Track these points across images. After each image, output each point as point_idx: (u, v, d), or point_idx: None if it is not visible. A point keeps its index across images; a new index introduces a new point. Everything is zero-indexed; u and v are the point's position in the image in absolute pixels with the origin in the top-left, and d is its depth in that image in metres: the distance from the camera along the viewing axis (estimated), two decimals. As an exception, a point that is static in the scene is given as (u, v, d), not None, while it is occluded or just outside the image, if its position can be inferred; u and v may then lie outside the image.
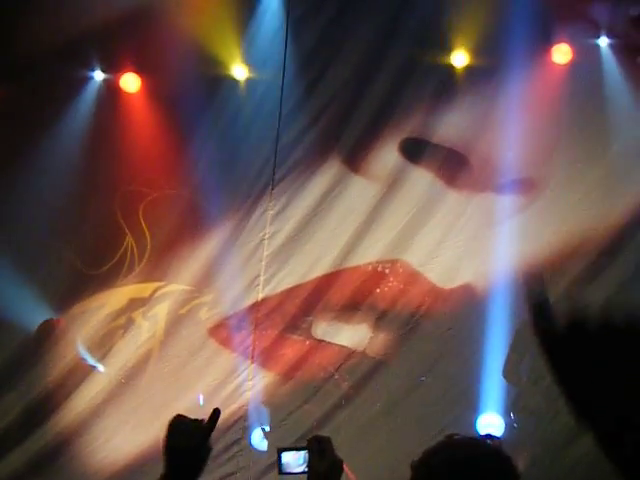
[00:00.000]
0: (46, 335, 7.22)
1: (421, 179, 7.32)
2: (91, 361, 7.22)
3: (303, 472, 2.82)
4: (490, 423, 6.91)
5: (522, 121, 7.00)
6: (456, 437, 2.31)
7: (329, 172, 7.45)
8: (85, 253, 7.43)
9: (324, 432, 6.89)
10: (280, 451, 2.89)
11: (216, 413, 2.56)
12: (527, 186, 7.20)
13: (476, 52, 7.32)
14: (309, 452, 2.75)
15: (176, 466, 2.48)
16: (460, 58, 7.38)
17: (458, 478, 2.16)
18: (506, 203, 7.14)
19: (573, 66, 7.28)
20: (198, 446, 2.48)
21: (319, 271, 7.32)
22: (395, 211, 7.34)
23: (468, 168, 7.24)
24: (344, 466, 2.76)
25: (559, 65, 7.32)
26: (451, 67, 7.40)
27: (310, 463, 2.74)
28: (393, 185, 7.35)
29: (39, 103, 7.34)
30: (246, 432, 7.14)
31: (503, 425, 6.97)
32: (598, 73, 7.20)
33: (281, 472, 2.88)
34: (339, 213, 7.39)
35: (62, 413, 7.08)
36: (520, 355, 6.97)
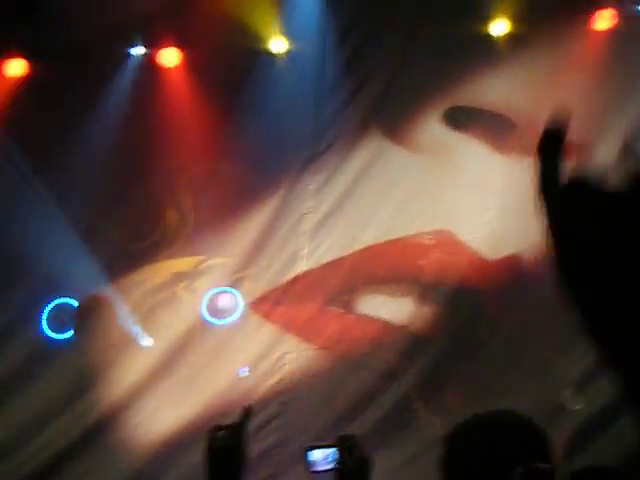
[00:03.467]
0: (91, 308, 7.27)
1: (467, 147, 7.18)
2: (137, 335, 7.24)
3: (331, 469, 2.82)
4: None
5: (566, 86, 6.82)
6: (491, 411, 2.28)
7: (371, 145, 7.36)
8: (128, 229, 7.45)
9: (364, 407, 6.86)
10: (307, 449, 2.89)
11: (248, 411, 2.56)
12: (575, 150, 6.99)
13: (517, 20, 7.15)
14: (338, 449, 2.75)
15: (217, 470, 2.47)
16: (501, 26, 7.23)
17: (488, 451, 2.12)
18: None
19: (617, 32, 7.08)
20: (236, 447, 2.48)
21: (361, 244, 7.22)
22: (439, 181, 7.23)
23: (514, 132, 7.07)
24: None
25: (603, 31, 7.13)
26: (492, 36, 7.25)
27: (339, 461, 2.74)
28: (437, 155, 7.24)
29: (82, 82, 7.35)
30: (286, 406, 7.08)
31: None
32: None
33: (311, 471, 2.87)
34: (381, 185, 7.28)
35: (106, 387, 7.12)
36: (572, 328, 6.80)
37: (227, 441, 2.48)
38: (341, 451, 2.74)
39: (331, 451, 2.79)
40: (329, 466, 2.81)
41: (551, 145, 1.07)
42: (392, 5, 7.26)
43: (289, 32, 7.44)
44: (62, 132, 7.31)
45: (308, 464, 2.86)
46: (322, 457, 2.83)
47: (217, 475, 2.47)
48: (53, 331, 7.29)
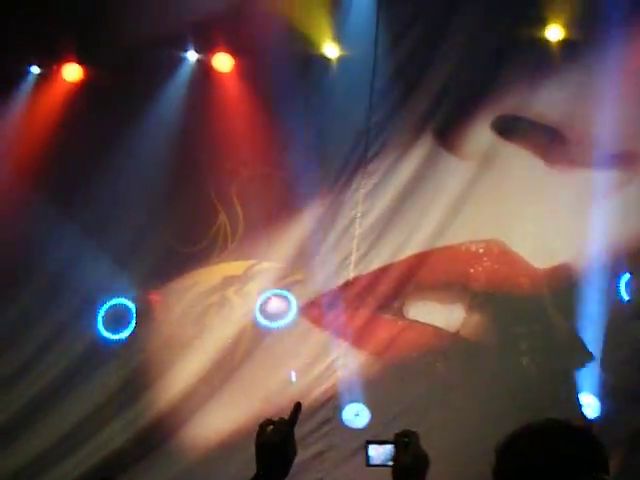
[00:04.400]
0: (145, 309, 7.38)
1: (516, 156, 7.16)
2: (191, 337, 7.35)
3: (389, 465, 2.83)
4: (586, 404, 6.73)
5: (620, 94, 6.75)
6: (546, 420, 2.21)
7: (421, 150, 7.35)
8: (180, 232, 7.55)
9: (415, 413, 6.87)
10: (368, 443, 2.91)
11: (297, 407, 2.56)
12: (627, 160, 6.95)
13: (572, 26, 7.08)
14: (395, 446, 2.77)
15: (265, 464, 2.49)
16: (555, 32, 7.16)
17: (542, 463, 2.03)
18: (605, 179, 6.90)
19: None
20: (283, 441, 2.48)
21: (411, 250, 7.24)
22: (489, 189, 7.20)
23: (565, 144, 7.03)
24: None
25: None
26: (546, 42, 7.18)
27: (394, 457, 2.75)
28: (487, 163, 7.21)
29: (136, 87, 7.46)
30: (337, 411, 7.13)
31: (599, 408, 6.79)
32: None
33: (368, 464, 2.90)
34: (431, 192, 7.28)
35: (157, 389, 7.22)
36: (618, 340, 6.78)
37: (275, 435, 2.50)
38: (397, 447, 2.78)
39: (389, 447, 2.83)
40: (387, 462, 2.84)
41: None
42: (447, 9, 7.22)
43: (342, 37, 7.47)
44: (116, 134, 7.43)
45: (367, 458, 2.89)
46: (381, 452, 2.87)
47: (264, 468, 2.49)
48: (108, 331, 7.41)
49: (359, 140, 7.40)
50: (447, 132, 7.33)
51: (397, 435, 2.82)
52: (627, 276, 6.96)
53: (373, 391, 7.13)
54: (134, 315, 7.42)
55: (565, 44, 7.13)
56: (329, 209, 7.40)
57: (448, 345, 7.06)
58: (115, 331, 7.43)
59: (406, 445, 2.75)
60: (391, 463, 2.81)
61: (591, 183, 6.94)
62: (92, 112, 7.42)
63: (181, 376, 7.24)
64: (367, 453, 2.89)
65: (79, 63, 7.61)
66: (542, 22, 7.14)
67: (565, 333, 6.91)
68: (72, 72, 7.64)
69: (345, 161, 7.43)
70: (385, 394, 7.08)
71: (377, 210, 7.33)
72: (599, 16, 6.78)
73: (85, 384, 7.24)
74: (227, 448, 6.97)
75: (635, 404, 6.66)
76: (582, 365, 6.81)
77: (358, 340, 7.22)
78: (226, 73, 7.73)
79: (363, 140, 7.39)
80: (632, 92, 6.84)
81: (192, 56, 7.69)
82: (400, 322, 7.22)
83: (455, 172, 7.27)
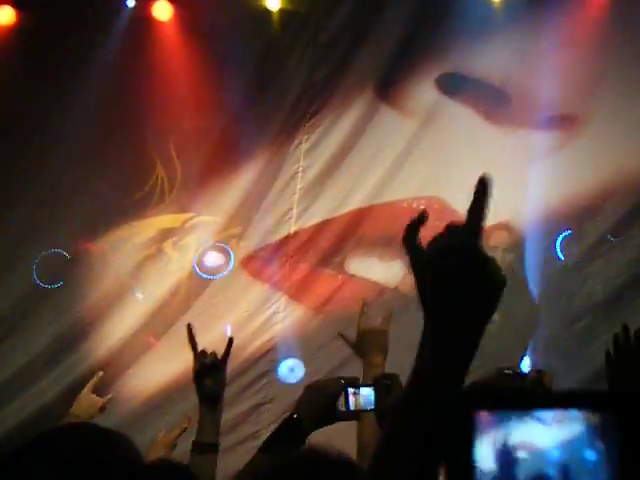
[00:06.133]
0: (81, 260, 7.23)
1: (458, 114, 7.19)
2: (127, 288, 7.23)
3: (368, 410, 2.74)
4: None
5: (563, 55, 6.83)
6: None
7: (363, 106, 7.33)
8: (116, 184, 7.38)
9: (354, 367, 6.86)
10: (346, 387, 2.78)
11: (229, 342, 3.05)
12: (568, 122, 7.04)
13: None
14: (375, 390, 2.69)
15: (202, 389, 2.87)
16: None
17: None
18: (545, 140, 7.00)
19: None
20: (219, 366, 2.94)
21: (353, 205, 7.24)
22: (431, 146, 7.23)
23: (507, 103, 7.10)
24: None
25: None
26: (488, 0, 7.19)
27: (377, 401, 2.68)
28: (429, 120, 7.23)
29: (70, 32, 7.21)
30: (274, 364, 7.13)
31: (530, 363, 6.91)
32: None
33: (348, 410, 2.77)
34: (373, 148, 7.28)
35: (94, 341, 7.10)
36: (555, 296, 6.91)
37: (210, 364, 2.92)
38: (378, 391, 2.70)
39: (368, 390, 2.73)
40: (368, 406, 2.74)
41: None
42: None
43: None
44: (51, 83, 7.20)
45: (346, 404, 2.74)
46: (359, 397, 2.75)
47: (202, 393, 2.85)
48: (44, 282, 7.23)
49: (301, 95, 7.34)
50: (390, 88, 7.32)
51: (377, 378, 2.73)
52: (565, 233, 7.09)
53: (310, 345, 7.13)
54: (70, 266, 7.25)
55: (508, 2, 7.14)
56: (270, 163, 7.34)
57: (387, 300, 7.08)
58: (51, 282, 7.25)
59: (387, 388, 2.67)
60: (370, 408, 2.72)
61: (531, 143, 7.03)
62: (25, 58, 7.17)
63: (118, 327, 7.12)
64: (346, 399, 2.76)
65: (13, 6, 7.32)
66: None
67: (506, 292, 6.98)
68: (5, 15, 7.35)
69: (286, 116, 7.35)
70: (323, 349, 7.06)
71: (319, 165, 7.30)
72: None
73: (19, 335, 7.06)
74: (166, 399, 6.90)
75: (564, 358, 6.81)
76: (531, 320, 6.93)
77: (298, 294, 7.21)
78: (165, 22, 7.54)
79: (305, 95, 7.33)
80: (572, 55, 6.91)
81: (130, 2, 7.49)
82: (340, 277, 7.22)
83: (398, 128, 7.27)
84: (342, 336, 3.23)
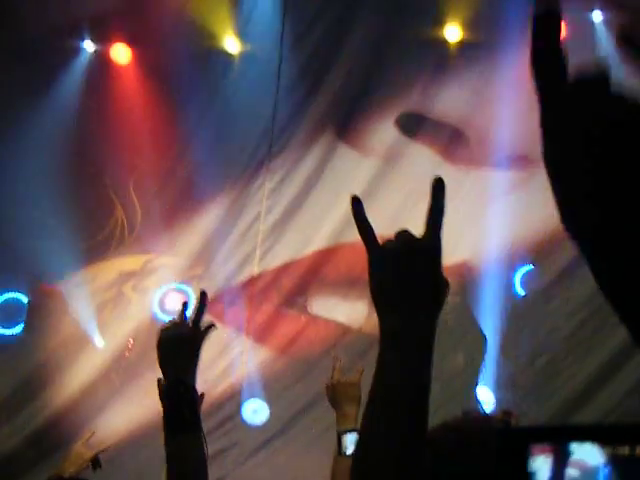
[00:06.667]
0: (41, 304, 7.11)
1: (418, 154, 7.27)
2: (88, 332, 7.11)
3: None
4: (482, 398, 6.88)
5: (519, 97, 6.93)
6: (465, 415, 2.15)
7: (325, 146, 7.41)
8: (77, 225, 7.28)
9: (319, 409, 6.84)
10: (345, 433, 2.80)
11: (203, 295, 2.30)
12: (524, 162, 7.15)
13: (470, 27, 7.25)
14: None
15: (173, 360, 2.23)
16: (454, 33, 7.31)
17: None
18: (503, 178, 7.10)
19: (567, 41, 7.18)
20: (191, 329, 2.25)
21: (315, 246, 7.27)
22: (391, 186, 7.28)
23: (465, 143, 7.21)
24: None
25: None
26: (445, 42, 7.33)
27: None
28: (389, 160, 7.31)
29: (29, 74, 7.17)
30: (239, 408, 7.06)
31: (494, 401, 6.94)
32: (592, 48, 7.14)
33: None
34: (335, 188, 7.31)
35: (54, 389, 6.96)
36: (516, 332, 6.96)
37: (179, 327, 2.25)
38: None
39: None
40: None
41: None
42: (349, 9, 7.28)
43: (245, 33, 7.43)
44: (12, 125, 7.13)
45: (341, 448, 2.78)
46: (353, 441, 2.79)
47: (166, 361, 2.22)
48: (1, 327, 7.09)
49: (263, 136, 7.38)
50: (349, 129, 7.41)
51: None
52: (525, 269, 7.19)
53: (275, 388, 7.09)
54: (27, 310, 7.12)
55: (464, 45, 7.28)
56: (233, 205, 7.34)
57: (351, 341, 7.08)
58: (8, 326, 7.11)
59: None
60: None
61: (490, 182, 7.12)
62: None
63: (78, 375, 7.00)
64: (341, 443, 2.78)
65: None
66: (442, 22, 7.28)
67: (464, 327, 7.03)
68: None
69: (249, 157, 7.39)
70: (287, 390, 7.03)
71: (282, 206, 7.33)
72: (497, 18, 6.92)
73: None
74: (129, 447, 6.75)
75: (529, 395, 6.85)
76: (482, 360, 6.95)
77: (261, 336, 7.18)
78: (124, 65, 7.54)
79: (267, 136, 7.37)
80: (526, 95, 7.01)
81: (89, 46, 7.48)
82: (304, 318, 7.22)
83: (359, 168, 7.34)
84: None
